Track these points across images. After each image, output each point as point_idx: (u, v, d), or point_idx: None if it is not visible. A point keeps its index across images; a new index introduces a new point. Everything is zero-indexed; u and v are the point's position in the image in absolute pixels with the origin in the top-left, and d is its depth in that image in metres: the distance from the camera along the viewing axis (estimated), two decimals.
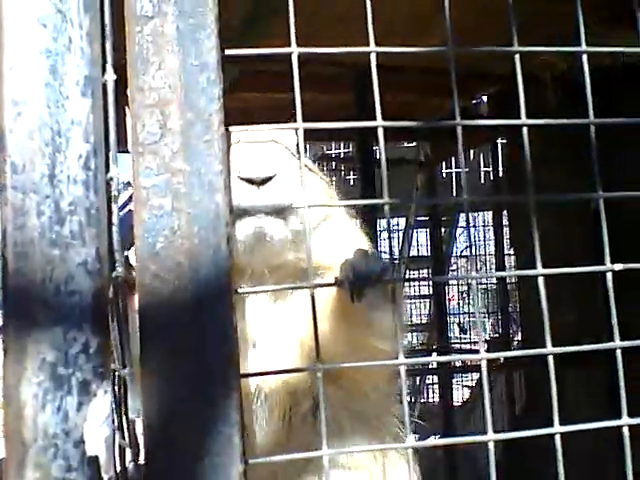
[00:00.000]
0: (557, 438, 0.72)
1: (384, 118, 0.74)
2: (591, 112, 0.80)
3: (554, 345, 0.73)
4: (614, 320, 0.75)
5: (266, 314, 1.18)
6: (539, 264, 0.75)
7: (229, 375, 0.61)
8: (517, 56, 0.79)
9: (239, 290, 0.65)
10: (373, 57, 0.75)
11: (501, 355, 0.74)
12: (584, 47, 0.81)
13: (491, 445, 0.72)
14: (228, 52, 0.68)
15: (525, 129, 0.78)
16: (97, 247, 0.59)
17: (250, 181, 1.10)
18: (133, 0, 0.63)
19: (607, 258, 0.77)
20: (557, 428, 0.73)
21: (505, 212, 4.63)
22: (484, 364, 0.75)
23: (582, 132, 0.81)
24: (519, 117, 0.81)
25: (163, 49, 0.63)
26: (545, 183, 0.75)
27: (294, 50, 0.71)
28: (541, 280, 0.74)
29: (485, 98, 4.07)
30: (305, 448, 0.98)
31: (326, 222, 1.21)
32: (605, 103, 0.82)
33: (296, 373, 1.13)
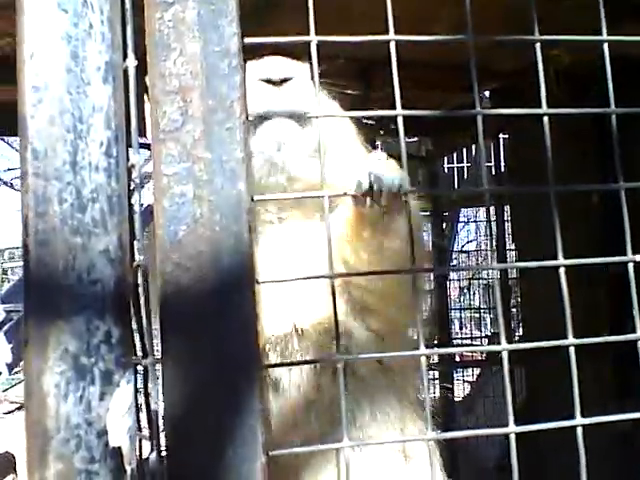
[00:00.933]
0: (579, 430, 0.71)
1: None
2: (612, 102, 0.79)
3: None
4: (636, 311, 0.75)
5: (292, 240, 1.17)
6: (560, 254, 0.74)
7: (251, 365, 0.60)
8: (538, 45, 0.79)
9: (259, 280, 0.65)
10: (392, 46, 0.74)
11: (522, 347, 0.73)
12: (605, 37, 0.80)
13: (512, 437, 0.71)
14: (247, 40, 0.67)
15: (546, 118, 0.77)
16: (119, 235, 0.59)
17: (269, 81, 1.12)
18: None
19: (629, 248, 0.77)
20: (579, 420, 0.72)
21: (507, 207, 4.63)
22: (505, 355, 0.74)
23: (590, 125, 0.81)
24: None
25: (184, 35, 0.62)
26: (554, 176, 0.75)
27: (313, 38, 0.70)
28: (562, 271, 0.74)
29: (487, 93, 4.07)
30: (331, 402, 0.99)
31: (341, 143, 1.21)
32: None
33: (326, 312, 1.09)
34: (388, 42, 0.73)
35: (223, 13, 0.63)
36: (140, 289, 0.61)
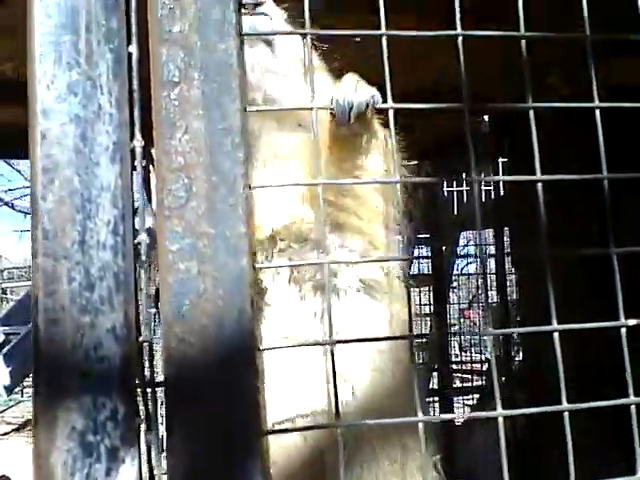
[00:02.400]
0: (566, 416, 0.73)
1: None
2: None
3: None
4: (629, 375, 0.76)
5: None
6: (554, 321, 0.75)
7: (253, 439, 0.62)
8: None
9: (256, 265, 0.67)
10: (384, 41, 0.76)
11: (517, 412, 0.73)
12: None
13: (500, 420, 0.73)
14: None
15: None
16: (125, 312, 0.60)
17: (242, 5, 1.18)
18: (160, 66, 0.64)
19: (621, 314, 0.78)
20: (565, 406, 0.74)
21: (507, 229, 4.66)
22: (501, 421, 0.75)
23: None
24: (520, 137, 0.84)
25: (189, 113, 0.64)
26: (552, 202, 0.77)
27: (307, 32, 0.73)
28: (556, 336, 0.75)
29: (486, 118, 4.12)
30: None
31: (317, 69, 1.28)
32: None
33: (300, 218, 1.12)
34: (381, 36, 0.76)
35: (226, 91, 0.65)
36: (145, 364, 0.62)
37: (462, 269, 8.13)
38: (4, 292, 10.97)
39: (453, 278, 7.17)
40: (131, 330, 0.61)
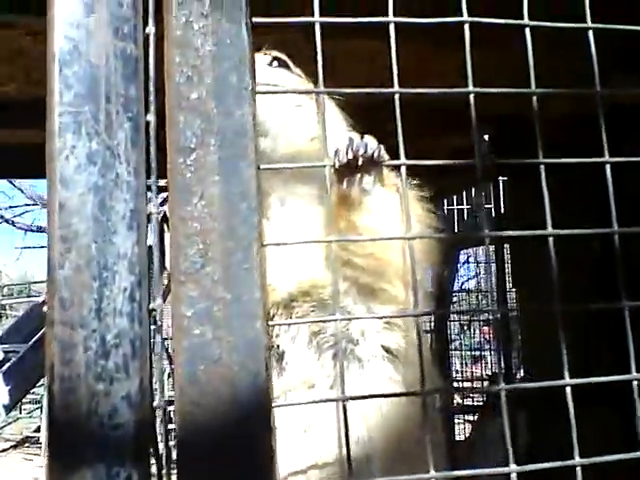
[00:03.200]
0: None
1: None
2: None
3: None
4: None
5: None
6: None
7: None
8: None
9: (270, 323, 0.67)
10: (392, 28, 0.77)
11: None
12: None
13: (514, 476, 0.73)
14: (255, 20, 0.69)
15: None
16: (140, 379, 0.61)
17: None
18: (178, 132, 0.65)
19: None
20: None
21: (507, 246, 4.67)
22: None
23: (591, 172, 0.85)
24: (521, 155, 0.85)
25: (205, 179, 0.65)
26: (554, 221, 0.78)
27: (316, 20, 0.74)
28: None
29: (487, 137, 4.15)
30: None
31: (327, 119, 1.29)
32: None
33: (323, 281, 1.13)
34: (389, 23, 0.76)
35: (242, 156, 0.66)
36: (159, 430, 0.62)
37: (462, 285, 8.13)
38: (3, 308, 10.96)
39: (453, 294, 7.17)
40: (145, 396, 0.61)
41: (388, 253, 1.15)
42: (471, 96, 0.79)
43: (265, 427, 0.63)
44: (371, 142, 1.13)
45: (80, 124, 0.61)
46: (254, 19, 0.71)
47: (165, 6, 0.66)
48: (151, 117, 0.64)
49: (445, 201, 6.04)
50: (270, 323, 0.70)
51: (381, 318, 1.18)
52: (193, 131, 0.65)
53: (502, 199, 5.11)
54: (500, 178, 4.74)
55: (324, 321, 1.16)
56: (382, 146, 1.13)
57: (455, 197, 6.19)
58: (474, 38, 0.79)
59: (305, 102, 1.27)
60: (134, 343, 0.61)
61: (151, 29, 0.66)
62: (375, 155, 1.11)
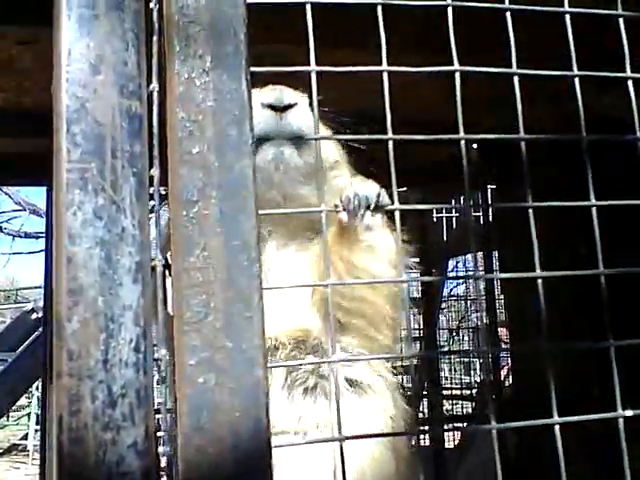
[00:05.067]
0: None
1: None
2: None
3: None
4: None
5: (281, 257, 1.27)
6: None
7: None
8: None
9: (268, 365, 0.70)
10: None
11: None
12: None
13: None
14: (252, 69, 0.72)
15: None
16: (146, 426, 0.63)
17: (272, 107, 1.20)
18: (180, 186, 0.67)
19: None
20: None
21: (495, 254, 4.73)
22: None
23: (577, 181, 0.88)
24: (508, 164, 0.89)
25: (207, 231, 0.68)
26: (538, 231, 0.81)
27: (313, 68, 0.77)
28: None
29: (475, 145, 4.20)
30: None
31: (335, 168, 1.31)
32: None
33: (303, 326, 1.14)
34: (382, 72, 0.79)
35: (243, 209, 0.69)
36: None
37: (451, 290, 8.18)
38: None
39: (442, 300, 7.22)
40: (151, 443, 0.63)
41: (379, 297, 1.18)
42: (462, 142, 0.82)
43: (266, 471, 0.65)
44: (373, 188, 1.16)
45: (87, 180, 0.63)
46: (251, 68, 0.74)
47: (168, 63, 0.69)
48: (155, 172, 0.67)
49: (434, 210, 6.09)
50: (269, 365, 0.72)
51: (387, 359, 1.21)
52: (194, 184, 0.68)
53: (489, 207, 5.17)
54: (488, 186, 4.80)
55: (320, 363, 1.18)
56: (383, 190, 1.17)
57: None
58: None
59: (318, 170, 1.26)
60: (139, 392, 0.63)
61: (154, 86, 0.68)
62: (379, 199, 1.15)
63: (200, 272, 0.67)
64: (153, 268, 0.66)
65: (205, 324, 0.66)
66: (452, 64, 0.80)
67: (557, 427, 0.78)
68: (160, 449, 0.64)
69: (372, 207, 1.15)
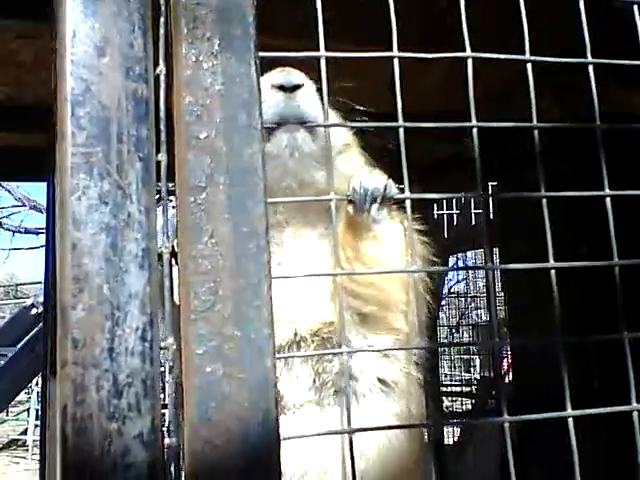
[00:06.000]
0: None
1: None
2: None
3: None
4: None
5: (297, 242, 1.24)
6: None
7: None
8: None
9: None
10: (396, 62, 0.78)
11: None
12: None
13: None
14: (261, 54, 0.70)
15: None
16: (152, 417, 0.61)
17: (282, 87, 1.18)
18: (187, 171, 0.66)
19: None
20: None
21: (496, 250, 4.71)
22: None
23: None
24: (509, 159, 0.87)
25: (215, 217, 0.66)
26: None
27: (322, 54, 0.76)
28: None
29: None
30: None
31: (346, 151, 1.28)
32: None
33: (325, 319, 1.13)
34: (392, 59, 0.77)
35: (251, 195, 0.67)
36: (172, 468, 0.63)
37: (450, 288, 8.17)
38: None
39: (442, 297, 7.20)
40: (158, 434, 0.62)
41: (390, 283, 1.16)
42: (474, 129, 0.81)
43: (274, 465, 0.64)
44: (380, 180, 1.15)
45: (92, 165, 0.62)
46: (260, 53, 0.72)
47: (175, 46, 0.67)
48: (162, 157, 0.65)
49: (435, 205, 6.08)
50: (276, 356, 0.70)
51: (381, 352, 1.19)
52: (203, 170, 0.66)
53: (492, 204, 5.16)
54: (489, 183, 4.79)
55: (326, 354, 1.16)
56: (390, 181, 1.15)
57: (445, 202, 6.22)
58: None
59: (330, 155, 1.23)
60: (146, 382, 0.62)
61: (162, 69, 0.67)
62: (385, 190, 1.13)
63: (208, 260, 0.65)
64: (160, 255, 0.64)
65: (213, 313, 0.65)
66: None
67: (570, 420, 0.77)
68: (167, 440, 0.63)
69: (379, 200, 1.13)
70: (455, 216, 6.43)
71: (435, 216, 6.34)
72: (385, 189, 1.13)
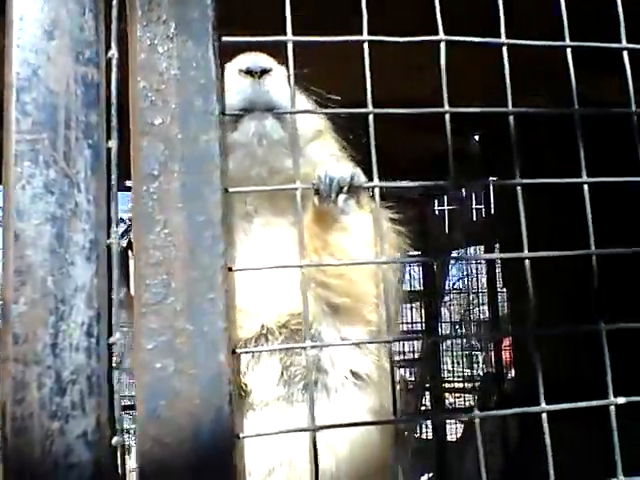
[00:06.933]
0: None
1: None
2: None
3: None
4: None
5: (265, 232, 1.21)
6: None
7: None
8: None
9: (237, 350, 0.65)
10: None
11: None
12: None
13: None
14: (226, 39, 0.67)
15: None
16: (97, 416, 0.59)
17: (249, 72, 1.15)
18: (140, 159, 0.63)
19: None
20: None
21: (497, 246, 4.68)
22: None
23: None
24: (509, 155, 0.84)
25: (168, 207, 0.63)
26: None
27: (289, 39, 0.73)
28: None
29: (477, 137, 4.15)
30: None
31: (318, 138, 1.25)
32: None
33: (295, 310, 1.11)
34: (363, 42, 0.74)
35: (207, 183, 0.64)
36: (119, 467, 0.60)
37: (453, 284, 8.13)
38: None
39: (445, 294, 7.17)
40: (103, 433, 0.59)
41: (359, 275, 1.13)
42: (447, 115, 0.78)
43: (229, 462, 0.61)
44: (346, 169, 1.11)
45: (37, 152, 0.59)
46: (223, 38, 0.69)
47: (129, 29, 0.64)
48: (113, 144, 0.62)
49: (436, 201, 6.04)
50: (237, 351, 0.68)
51: (352, 344, 1.15)
52: (156, 157, 0.63)
53: (492, 199, 5.11)
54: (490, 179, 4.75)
55: (293, 348, 1.13)
56: (358, 170, 1.12)
57: (445, 197, 6.18)
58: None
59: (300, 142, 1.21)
60: (91, 379, 0.59)
61: (114, 53, 0.64)
62: (352, 181, 1.10)
63: (160, 250, 0.62)
64: (109, 247, 0.62)
65: (164, 306, 0.62)
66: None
67: (544, 415, 0.74)
68: (114, 439, 0.60)
69: (345, 189, 1.10)
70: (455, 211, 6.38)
71: (436, 212, 6.30)
72: (352, 178, 1.09)
